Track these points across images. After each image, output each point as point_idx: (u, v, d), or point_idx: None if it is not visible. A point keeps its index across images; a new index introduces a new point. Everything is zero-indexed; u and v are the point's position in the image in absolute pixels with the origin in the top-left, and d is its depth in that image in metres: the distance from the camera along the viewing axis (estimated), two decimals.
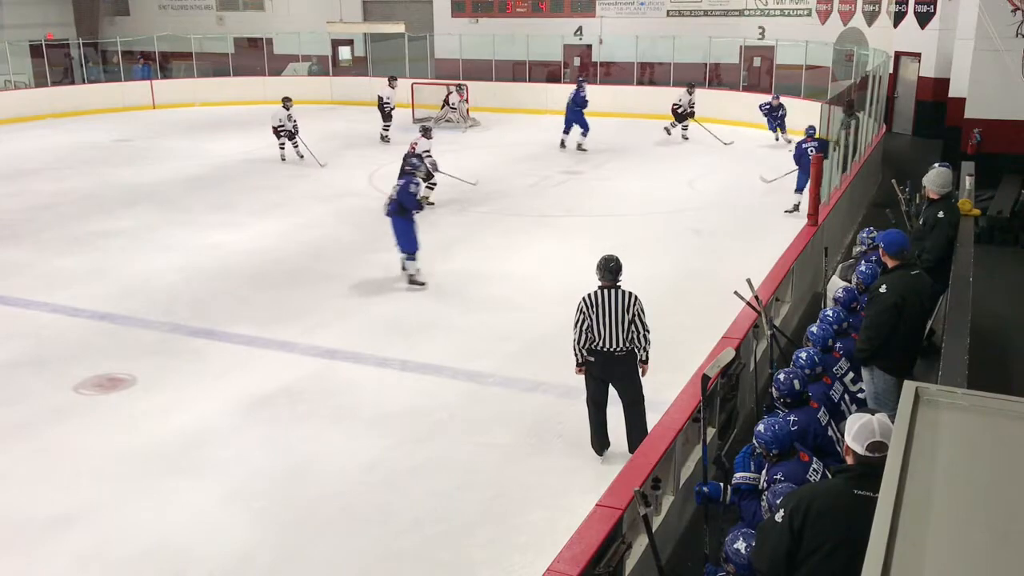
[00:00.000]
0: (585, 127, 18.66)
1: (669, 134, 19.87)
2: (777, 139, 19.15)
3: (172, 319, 9.43)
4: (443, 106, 22.27)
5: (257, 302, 9.95)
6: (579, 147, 18.68)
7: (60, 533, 5.77)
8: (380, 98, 19.90)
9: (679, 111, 19.54)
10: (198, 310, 9.70)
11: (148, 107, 25.12)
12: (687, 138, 19.80)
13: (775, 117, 19.33)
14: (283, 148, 17.77)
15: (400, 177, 10.94)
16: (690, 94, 19.36)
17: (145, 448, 6.82)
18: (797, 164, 13.00)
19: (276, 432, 7.07)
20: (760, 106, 19.76)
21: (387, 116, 19.91)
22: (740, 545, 3.88)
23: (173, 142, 20.24)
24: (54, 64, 26.49)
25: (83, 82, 26.84)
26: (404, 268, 10.43)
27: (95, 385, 7.93)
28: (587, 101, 18.92)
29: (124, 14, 31.61)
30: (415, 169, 11.24)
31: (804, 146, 12.81)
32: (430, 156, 13.68)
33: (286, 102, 17.79)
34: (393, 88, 20.01)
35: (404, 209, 10.24)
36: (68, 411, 7.45)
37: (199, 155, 18.59)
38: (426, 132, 14.02)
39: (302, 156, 17.67)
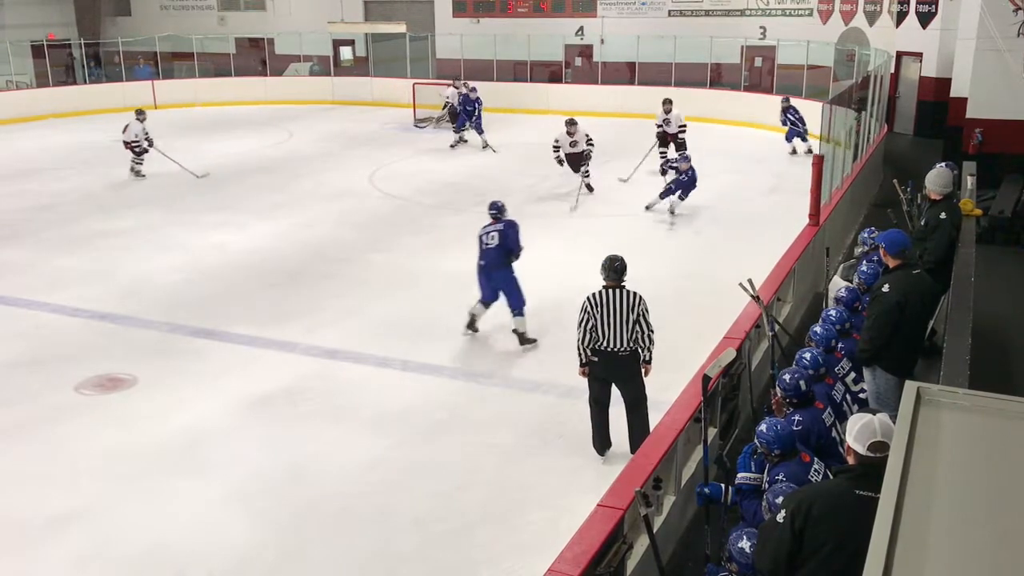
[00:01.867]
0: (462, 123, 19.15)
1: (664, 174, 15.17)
2: (808, 151, 16.69)
3: (173, 319, 9.43)
4: (445, 106, 22.25)
5: (258, 302, 9.95)
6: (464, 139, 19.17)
7: (60, 533, 5.77)
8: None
9: (660, 132, 16.83)
10: (199, 310, 9.70)
11: (149, 107, 25.04)
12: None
13: (793, 121, 17.54)
14: (140, 164, 16.50)
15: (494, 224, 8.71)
16: (666, 112, 16.59)
17: (146, 448, 6.81)
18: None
19: (276, 432, 7.07)
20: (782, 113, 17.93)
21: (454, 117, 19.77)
22: (744, 544, 3.87)
23: (175, 142, 20.19)
24: (55, 64, 26.50)
25: (84, 82, 26.85)
26: (516, 329, 8.70)
27: (96, 385, 7.93)
28: (476, 103, 19.28)
29: (125, 14, 31.62)
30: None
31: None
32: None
33: (140, 115, 16.60)
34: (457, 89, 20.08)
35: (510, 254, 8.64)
36: (69, 411, 7.45)
37: (200, 155, 18.56)
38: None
39: (143, 176, 16.36)
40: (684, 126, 16.67)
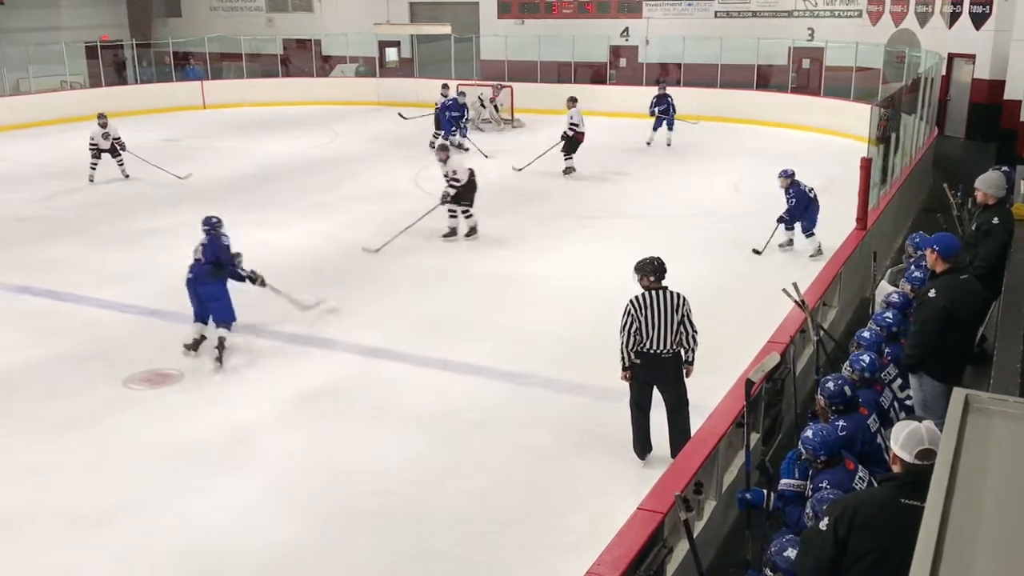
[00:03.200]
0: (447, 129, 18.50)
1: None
2: (669, 143, 18.83)
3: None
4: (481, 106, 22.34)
5: (301, 301, 10.02)
6: (461, 146, 18.53)
7: (106, 525, 5.87)
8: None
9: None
10: (244, 308, 9.78)
11: (199, 107, 25.53)
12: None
13: (664, 112, 18.80)
14: (94, 168, 16.17)
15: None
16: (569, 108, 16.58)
17: (190, 443, 6.92)
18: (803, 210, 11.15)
19: (318, 429, 7.13)
20: (650, 105, 19.18)
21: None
22: (791, 554, 3.81)
23: (222, 142, 20.54)
24: (108, 65, 27.04)
25: (136, 82, 27.36)
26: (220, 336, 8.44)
27: (143, 380, 8.06)
28: (464, 108, 19.03)
29: (176, 16, 32.17)
30: None
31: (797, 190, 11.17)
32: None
33: (100, 119, 16.36)
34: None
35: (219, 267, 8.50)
36: (117, 405, 7.59)
37: (248, 155, 18.84)
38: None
39: (127, 175, 16.37)
40: (576, 126, 16.42)
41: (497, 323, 9.31)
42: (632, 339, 6.19)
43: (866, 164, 9.50)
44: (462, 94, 19.76)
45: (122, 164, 16.53)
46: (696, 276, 9.72)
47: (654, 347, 6.17)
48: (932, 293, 5.49)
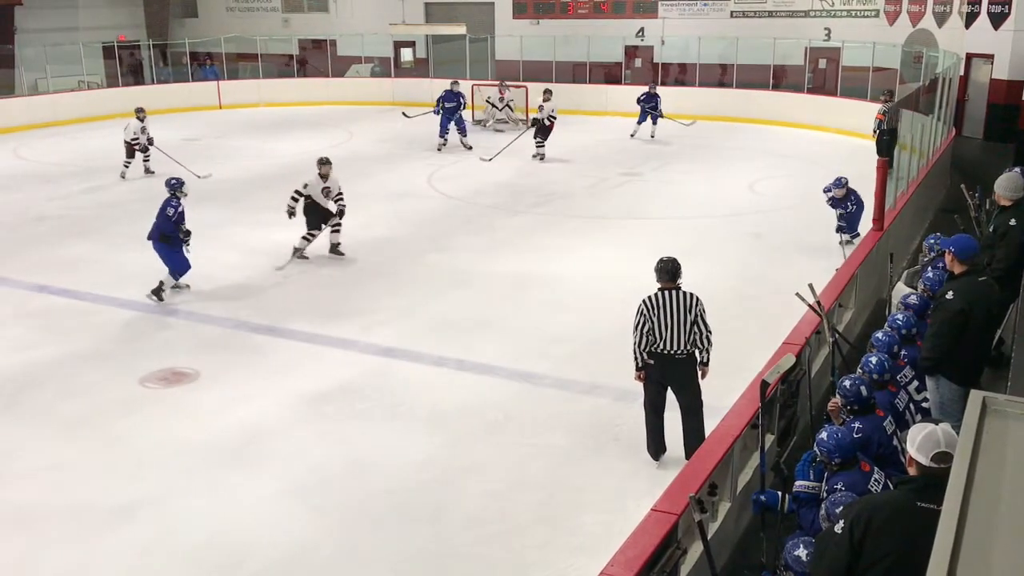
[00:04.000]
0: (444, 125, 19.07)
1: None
2: (652, 135, 19.92)
3: (234, 315, 9.61)
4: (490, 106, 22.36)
5: (317, 300, 10.09)
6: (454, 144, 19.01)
7: (123, 522, 5.91)
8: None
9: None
10: (260, 306, 9.87)
11: (215, 107, 25.66)
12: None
13: (652, 108, 19.75)
14: (127, 167, 16.60)
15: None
16: (544, 102, 18.01)
17: (207, 441, 6.96)
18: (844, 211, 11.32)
19: (334, 428, 7.16)
20: (638, 98, 20.09)
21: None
22: (801, 553, 3.81)
23: (238, 141, 20.63)
24: (125, 65, 27.20)
25: (152, 82, 27.52)
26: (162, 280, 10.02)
27: (160, 379, 8.11)
28: (462, 102, 19.47)
29: (193, 16, 32.30)
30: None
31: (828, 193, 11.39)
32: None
33: (139, 113, 16.69)
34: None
35: (166, 236, 9.90)
36: (133, 404, 7.64)
37: (263, 155, 18.91)
38: None
39: (152, 172, 16.56)
40: (554, 117, 17.92)
41: (513, 323, 9.32)
42: (645, 339, 6.18)
43: (882, 165, 9.45)
44: (455, 83, 19.93)
45: (148, 160, 16.78)
46: (711, 277, 9.72)
47: (667, 348, 6.16)
48: (950, 295, 5.46)
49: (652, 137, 20.01)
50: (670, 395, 6.38)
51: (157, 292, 9.93)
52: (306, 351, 8.71)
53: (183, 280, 10.28)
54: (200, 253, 11.86)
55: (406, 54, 28.98)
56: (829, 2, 23.72)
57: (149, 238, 10.01)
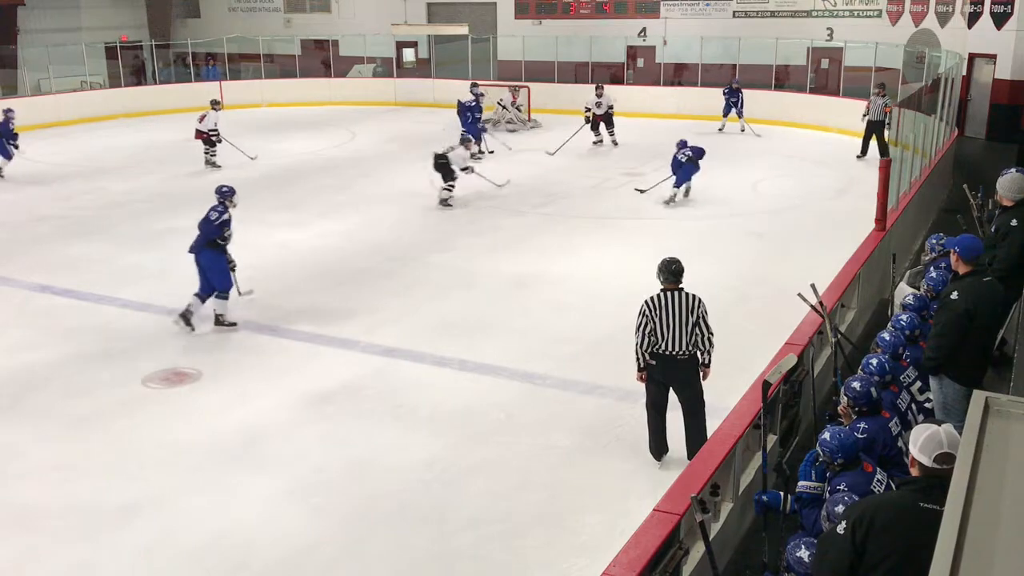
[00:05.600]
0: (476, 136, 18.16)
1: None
2: (742, 129, 20.55)
3: (237, 315, 9.60)
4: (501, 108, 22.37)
5: (320, 300, 10.10)
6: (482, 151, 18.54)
7: (126, 522, 5.92)
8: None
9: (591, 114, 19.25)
10: (262, 307, 9.87)
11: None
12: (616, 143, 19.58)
13: (734, 102, 20.43)
14: (215, 155, 17.36)
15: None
16: (599, 97, 19.10)
17: (209, 441, 6.96)
18: (673, 173, 14.13)
19: (336, 428, 7.16)
20: (723, 91, 20.76)
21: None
22: (803, 554, 3.81)
23: (241, 142, 20.62)
24: (128, 65, 27.24)
25: (155, 83, 27.54)
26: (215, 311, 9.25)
27: (162, 379, 8.12)
28: (481, 109, 19.26)
29: (195, 16, 32.34)
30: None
31: (677, 155, 14.07)
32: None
33: (215, 105, 17.37)
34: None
35: (212, 243, 9.12)
36: (136, 404, 7.65)
37: (266, 155, 18.91)
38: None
39: (219, 167, 17.28)
40: (611, 106, 19.26)
41: (515, 323, 9.32)
42: (647, 340, 6.18)
43: (885, 165, 9.45)
44: (475, 86, 19.91)
45: (215, 154, 17.37)
46: (714, 277, 9.71)
47: (669, 348, 6.16)
48: (954, 295, 5.46)
49: (742, 131, 20.55)
50: (672, 396, 6.38)
51: (186, 317, 9.10)
52: (308, 351, 8.72)
53: (244, 288, 9.60)
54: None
55: (408, 54, 28.99)
56: (831, 2, 23.71)
57: (193, 251, 9.14)
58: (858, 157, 17.07)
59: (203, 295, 9.13)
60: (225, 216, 9.23)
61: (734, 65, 23.29)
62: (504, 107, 22.02)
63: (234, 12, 31.78)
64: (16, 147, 17.01)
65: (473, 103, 18.93)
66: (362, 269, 11.23)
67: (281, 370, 8.28)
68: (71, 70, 25.37)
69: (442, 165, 14.10)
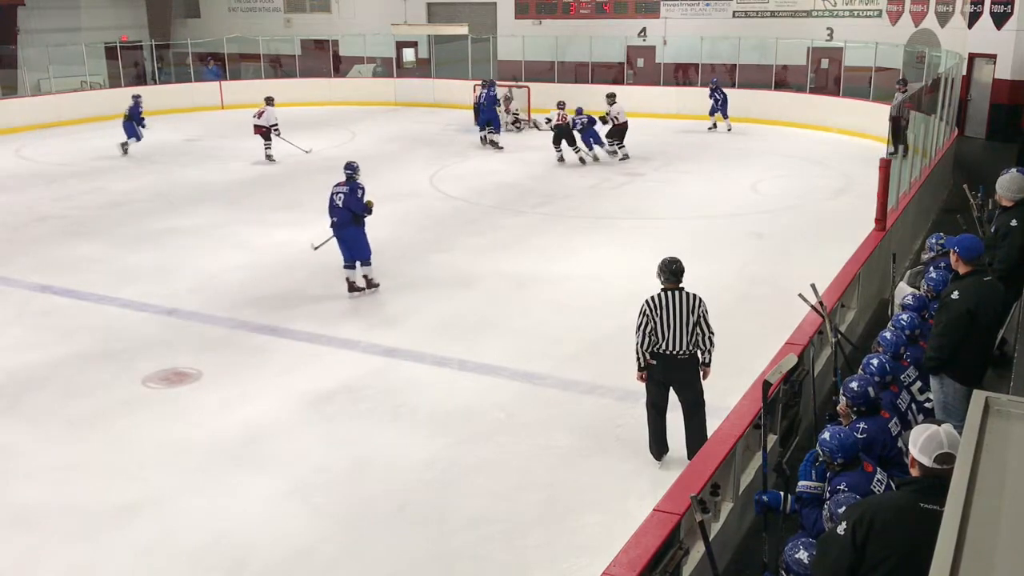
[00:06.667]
0: (497, 124, 19.96)
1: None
2: (714, 126, 20.83)
3: (237, 315, 9.62)
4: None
5: (320, 300, 10.09)
6: (495, 144, 19.55)
7: (126, 522, 5.92)
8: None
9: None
10: (263, 307, 9.88)
11: (217, 107, 25.68)
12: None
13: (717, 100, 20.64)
14: (270, 148, 18.11)
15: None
16: (610, 106, 17.89)
17: (209, 441, 6.96)
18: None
19: (336, 429, 7.16)
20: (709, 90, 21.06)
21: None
22: (802, 555, 3.80)
23: (241, 142, 20.62)
24: (128, 65, 27.24)
25: (155, 83, 27.52)
26: (365, 275, 10.20)
27: (162, 379, 8.12)
28: (498, 99, 20.19)
29: (195, 16, 32.33)
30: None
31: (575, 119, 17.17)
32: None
33: (270, 101, 18.25)
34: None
35: (358, 217, 9.97)
36: (136, 403, 7.65)
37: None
38: None
39: (275, 160, 18.00)
40: (617, 119, 18.20)
41: (515, 323, 9.32)
42: (647, 339, 6.18)
43: (885, 165, 9.45)
44: (492, 85, 20.38)
45: (271, 147, 18.19)
46: (713, 277, 9.71)
47: (670, 348, 6.16)
48: (955, 295, 5.45)
49: (729, 130, 20.76)
50: (672, 396, 6.38)
51: (354, 287, 10.11)
52: (308, 351, 8.72)
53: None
54: (202, 253, 11.92)
55: (408, 54, 28.98)
56: (831, 2, 23.71)
57: (338, 227, 9.95)
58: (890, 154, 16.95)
59: (350, 264, 10.11)
60: (364, 189, 10.04)
61: (734, 65, 23.30)
62: (506, 110, 22.04)
63: (234, 12, 31.77)
64: (144, 127, 19.18)
65: (493, 92, 19.83)
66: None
67: (281, 370, 8.28)
68: (71, 70, 25.36)
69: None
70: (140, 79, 28.02)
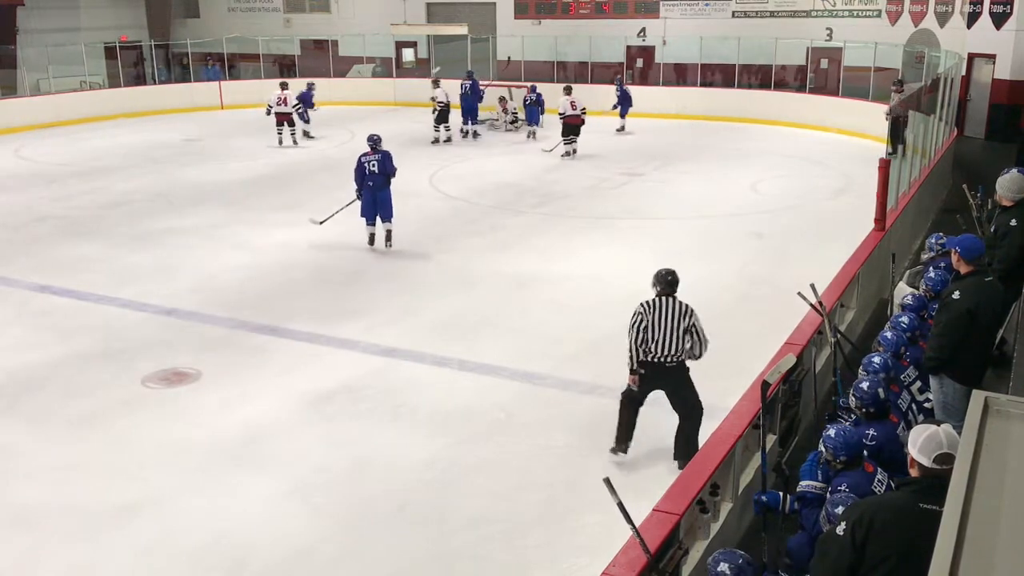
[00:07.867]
0: (474, 115, 21.01)
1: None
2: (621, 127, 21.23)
3: (237, 315, 9.61)
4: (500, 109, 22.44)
5: (320, 300, 10.10)
6: (474, 135, 20.90)
7: (126, 522, 5.92)
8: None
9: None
10: (262, 307, 9.88)
11: (216, 107, 25.68)
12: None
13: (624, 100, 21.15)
14: (308, 125, 19.38)
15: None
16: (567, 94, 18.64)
17: (209, 441, 6.96)
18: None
19: (336, 429, 7.16)
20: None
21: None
22: (724, 568, 3.64)
23: (240, 142, 20.64)
24: (127, 65, 27.23)
25: (154, 83, 27.52)
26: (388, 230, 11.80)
27: (161, 379, 8.12)
28: (481, 91, 21.10)
29: (194, 16, 32.32)
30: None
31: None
32: None
33: (285, 86, 19.54)
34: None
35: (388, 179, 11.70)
36: (135, 404, 7.64)
37: (265, 154, 18.93)
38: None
39: (297, 143, 19.69)
40: (563, 113, 18.58)
41: (515, 323, 9.32)
42: (640, 335, 6.15)
43: (884, 165, 9.45)
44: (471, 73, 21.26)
45: (294, 133, 19.44)
46: (714, 277, 9.73)
47: (658, 353, 6.15)
48: (956, 295, 5.46)
49: (622, 129, 21.22)
50: (657, 393, 6.35)
51: (388, 239, 11.84)
52: (308, 351, 8.72)
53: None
54: (202, 253, 11.92)
55: (408, 54, 28.99)
56: (831, 2, 23.72)
57: (377, 188, 11.60)
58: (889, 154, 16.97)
59: (373, 222, 11.81)
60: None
61: (733, 65, 23.30)
62: (505, 110, 22.06)
63: (233, 12, 31.76)
64: (313, 109, 20.75)
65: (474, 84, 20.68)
66: (362, 269, 11.23)
67: (281, 370, 8.28)
68: (71, 70, 25.36)
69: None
70: (140, 79, 28.04)
